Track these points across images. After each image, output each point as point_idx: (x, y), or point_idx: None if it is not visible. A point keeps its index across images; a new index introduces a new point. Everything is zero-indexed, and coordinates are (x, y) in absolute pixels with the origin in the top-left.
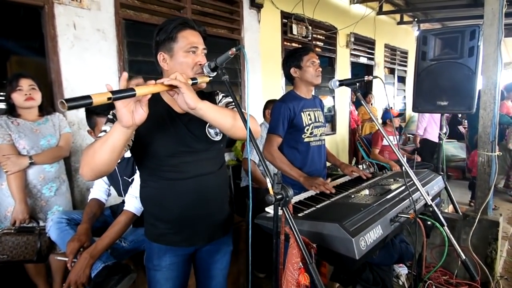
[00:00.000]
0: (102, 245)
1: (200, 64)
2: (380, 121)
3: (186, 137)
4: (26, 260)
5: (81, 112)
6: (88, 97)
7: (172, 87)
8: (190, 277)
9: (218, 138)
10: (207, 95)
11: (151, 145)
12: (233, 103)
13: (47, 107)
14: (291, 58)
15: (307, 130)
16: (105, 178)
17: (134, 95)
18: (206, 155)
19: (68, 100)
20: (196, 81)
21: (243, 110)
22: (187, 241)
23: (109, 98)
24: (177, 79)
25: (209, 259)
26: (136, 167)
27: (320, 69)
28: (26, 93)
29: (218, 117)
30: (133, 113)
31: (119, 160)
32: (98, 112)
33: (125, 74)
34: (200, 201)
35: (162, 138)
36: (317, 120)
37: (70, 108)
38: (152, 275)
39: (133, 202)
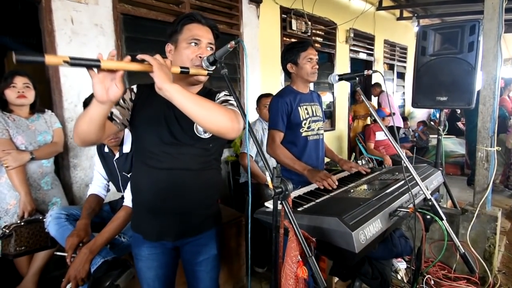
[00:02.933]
0: (102, 240)
1: (200, 57)
2: (372, 118)
3: (173, 127)
4: (41, 248)
5: (79, 108)
6: (41, 55)
7: (148, 67)
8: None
9: (206, 136)
10: (210, 93)
11: (140, 130)
12: (230, 101)
13: (39, 107)
14: (289, 53)
15: (305, 124)
16: (104, 173)
17: (98, 66)
18: (188, 151)
19: (18, 53)
20: (187, 70)
21: (233, 108)
22: (155, 234)
23: (65, 61)
24: (150, 56)
25: (193, 261)
26: None
27: (317, 66)
28: (19, 91)
29: (187, 105)
30: (108, 90)
31: (118, 156)
32: None
33: (113, 51)
34: (172, 195)
35: (151, 125)
36: (314, 114)
37: (18, 61)
38: (136, 263)
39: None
